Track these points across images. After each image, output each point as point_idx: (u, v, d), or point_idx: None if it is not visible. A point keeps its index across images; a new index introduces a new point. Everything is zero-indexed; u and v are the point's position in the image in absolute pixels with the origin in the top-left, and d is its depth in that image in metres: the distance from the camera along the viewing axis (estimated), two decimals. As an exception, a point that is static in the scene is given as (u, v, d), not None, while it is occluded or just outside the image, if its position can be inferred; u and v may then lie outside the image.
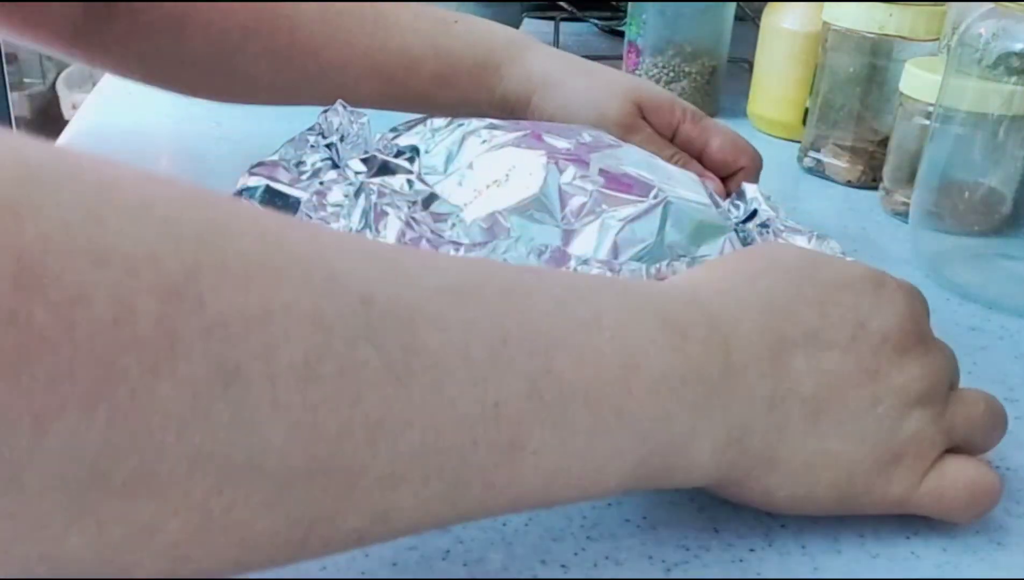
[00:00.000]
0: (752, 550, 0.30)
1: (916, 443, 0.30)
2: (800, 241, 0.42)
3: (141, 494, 0.18)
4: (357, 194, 0.37)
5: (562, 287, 0.27)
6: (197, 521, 0.19)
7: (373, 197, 0.37)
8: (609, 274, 0.36)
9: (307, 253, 0.21)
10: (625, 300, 0.27)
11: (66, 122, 0.82)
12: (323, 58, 0.52)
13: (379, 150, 0.42)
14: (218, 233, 0.20)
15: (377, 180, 0.39)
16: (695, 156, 0.52)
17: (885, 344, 0.30)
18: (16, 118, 1.86)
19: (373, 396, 0.21)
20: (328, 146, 0.44)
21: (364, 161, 0.41)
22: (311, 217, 0.38)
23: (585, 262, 0.35)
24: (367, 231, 0.36)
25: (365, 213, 0.37)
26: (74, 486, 0.17)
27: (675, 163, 0.51)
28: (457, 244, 0.36)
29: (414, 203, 0.38)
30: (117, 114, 0.68)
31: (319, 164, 0.42)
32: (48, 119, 2.04)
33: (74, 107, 1.96)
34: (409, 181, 0.39)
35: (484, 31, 0.54)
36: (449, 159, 0.41)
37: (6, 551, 0.17)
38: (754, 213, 0.42)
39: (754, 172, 0.52)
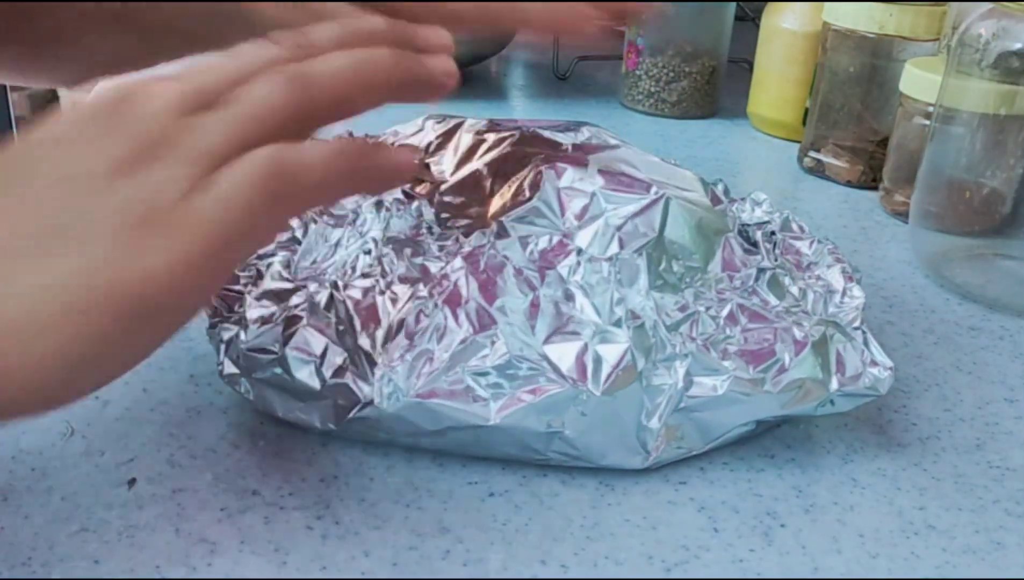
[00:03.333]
0: (752, 550, 0.30)
1: (142, 202, 0.25)
2: (801, 247, 0.42)
3: None
4: (377, 207, 0.38)
5: None
6: None
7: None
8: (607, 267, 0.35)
9: None
10: None
11: (66, 122, 0.82)
12: None
13: None
14: None
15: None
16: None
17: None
18: (16, 118, 1.85)
19: None
20: None
21: None
22: (316, 221, 0.38)
23: (580, 252, 0.35)
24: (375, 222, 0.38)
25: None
26: None
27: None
28: (449, 254, 0.36)
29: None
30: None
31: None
32: (48, 119, 2.03)
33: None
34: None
35: None
36: (449, 160, 0.41)
37: None
38: (765, 222, 0.43)
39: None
